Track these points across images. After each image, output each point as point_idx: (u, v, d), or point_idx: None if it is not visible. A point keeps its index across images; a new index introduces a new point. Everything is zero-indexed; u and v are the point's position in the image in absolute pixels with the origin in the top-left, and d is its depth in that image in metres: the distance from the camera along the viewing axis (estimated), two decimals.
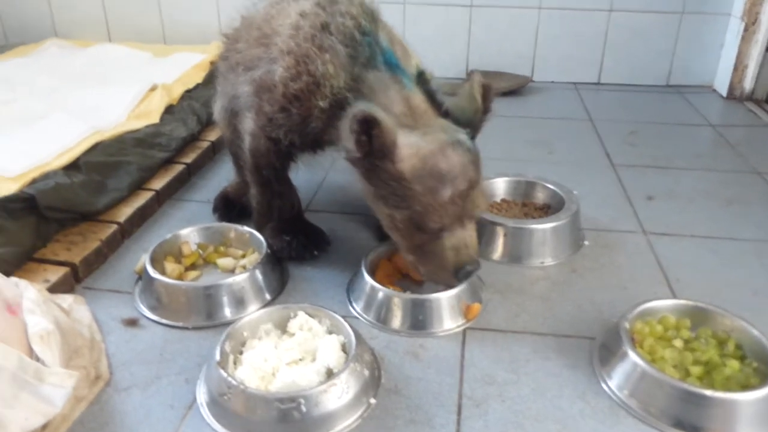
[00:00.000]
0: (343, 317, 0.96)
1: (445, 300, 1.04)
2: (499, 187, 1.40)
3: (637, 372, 0.89)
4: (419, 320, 1.04)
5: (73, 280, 1.15)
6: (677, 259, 1.24)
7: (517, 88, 2.25)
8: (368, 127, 0.91)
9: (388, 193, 0.96)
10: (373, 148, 0.93)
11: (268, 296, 1.11)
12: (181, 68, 2.03)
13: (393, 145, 0.93)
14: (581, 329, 1.04)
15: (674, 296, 1.13)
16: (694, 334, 0.97)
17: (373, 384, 0.91)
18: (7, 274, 1.02)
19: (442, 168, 0.93)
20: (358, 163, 0.97)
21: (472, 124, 1.01)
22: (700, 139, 1.86)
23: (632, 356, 0.89)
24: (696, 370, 0.90)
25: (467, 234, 0.98)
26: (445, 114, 1.02)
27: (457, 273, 0.98)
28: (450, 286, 1.04)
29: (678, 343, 0.95)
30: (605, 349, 0.97)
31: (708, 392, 0.84)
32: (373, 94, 0.99)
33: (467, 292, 1.07)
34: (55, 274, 1.12)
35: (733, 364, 0.89)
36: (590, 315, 1.08)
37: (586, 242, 1.29)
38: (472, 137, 1.01)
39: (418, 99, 1.01)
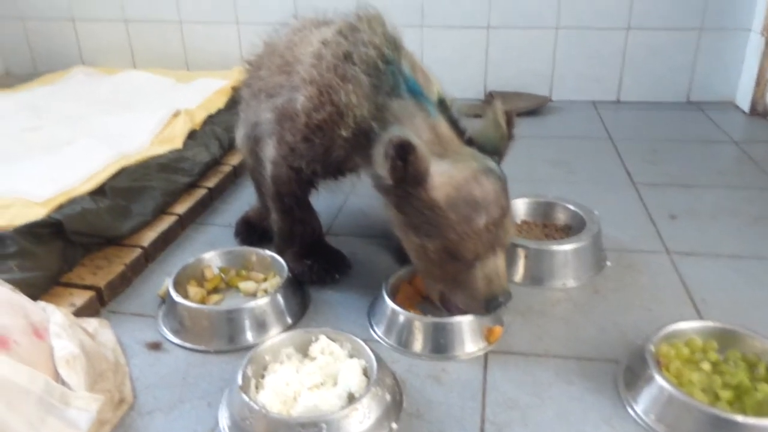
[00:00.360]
0: (365, 341, 0.96)
1: (467, 323, 1.03)
2: (520, 208, 1.39)
3: (664, 396, 0.87)
4: (440, 343, 1.03)
5: (98, 304, 1.17)
6: (703, 279, 1.22)
7: (536, 108, 2.25)
8: (404, 152, 0.90)
9: (420, 221, 0.95)
10: (407, 175, 0.92)
11: (289, 320, 1.12)
12: (204, 94, 2.07)
13: (426, 173, 0.92)
14: (605, 352, 1.03)
15: (700, 317, 1.11)
16: (723, 356, 0.95)
17: (394, 408, 0.90)
18: (35, 298, 1.04)
19: (476, 196, 0.92)
20: (389, 191, 0.96)
21: (497, 150, 1.01)
22: (722, 156, 1.84)
23: (658, 380, 0.88)
24: (726, 394, 0.88)
25: (498, 263, 0.97)
26: (469, 141, 1.01)
27: (489, 304, 0.97)
28: (480, 316, 1.03)
29: (706, 366, 0.93)
30: (630, 372, 0.95)
31: (740, 418, 0.82)
32: (399, 122, 0.98)
33: (489, 315, 1.06)
34: (81, 297, 1.14)
35: (765, 388, 0.87)
36: (614, 337, 1.06)
37: (608, 263, 1.28)
38: (498, 164, 1.01)
39: (443, 126, 1.00)
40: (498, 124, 1.00)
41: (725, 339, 0.97)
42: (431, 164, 0.93)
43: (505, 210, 0.96)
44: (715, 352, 0.95)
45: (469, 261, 0.95)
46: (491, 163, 0.97)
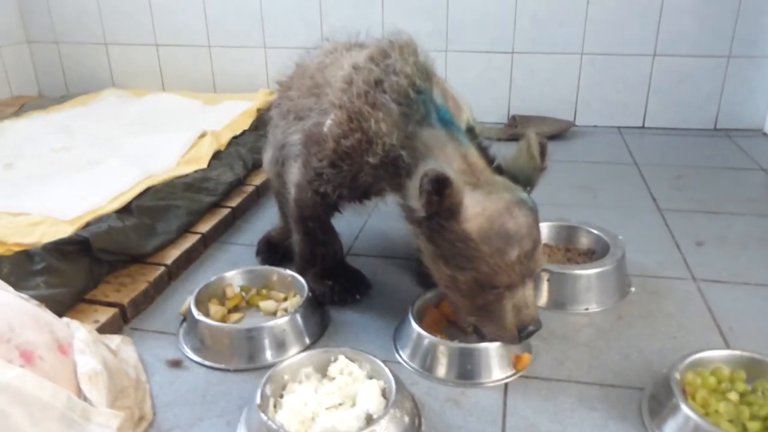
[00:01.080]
0: (384, 362, 0.96)
1: (494, 349, 1.02)
2: (542, 232, 1.37)
3: (690, 426, 0.85)
4: (467, 369, 1.01)
5: (122, 321, 1.18)
6: (730, 308, 1.19)
7: (560, 133, 2.24)
8: (441, 187, 0.89)
9: (452, 254, 0.94)
10: (441, 209, 0.91)
11: (308, 340, 1.12)
12: (230, 115, 2.11)
13: (460, 205, 0.91)
14: (629, 379, 1.01)
15: (728, 346, 1.08)
16: (751, 386, 0.93)
17: (412, 431, 0.89)
18: (60, 314, 1.05)
19: (509, 228, 0.91)
20: (421, 222, 0.95)
21: (530, 181, 1.00)
22: (751, 184, 1.81)
23: (684, 409, 0.86)
24: (754, 425, 0.85)
25: (528, 293, 0.96)
26: (498, 168, 1.00)
27: (520, 333, 0.96)
28: (511, 344, 1.01)
29: (733, 396, 0.90)
30: (655, 400, 0.93)
31: None
32: (430, 151, 0.97)
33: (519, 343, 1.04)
34: (105, 314, 1.15)
35: None
36: (638, 364, 1.04)
37: (633, 289, 1.26)
38: (529, 194, 0.99)
39: (474, 155, 0.99)
40: (532, 155, 0.98)
41: (753, 369, 0.95)
42: (464, 196, 0.92)
43: (537, 242, 0.94)
44: (743, 382, 0.93)
45: (500, 292, 0.94)
46: (523, 194, 0.95)
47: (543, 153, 0.99)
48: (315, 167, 1.09)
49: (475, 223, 0.91)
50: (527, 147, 0.99)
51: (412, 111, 0.99)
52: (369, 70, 1.05)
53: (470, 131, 1.03)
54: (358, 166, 1.04)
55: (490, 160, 1.01)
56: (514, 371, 1.03)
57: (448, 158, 0.97)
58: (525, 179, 0.99)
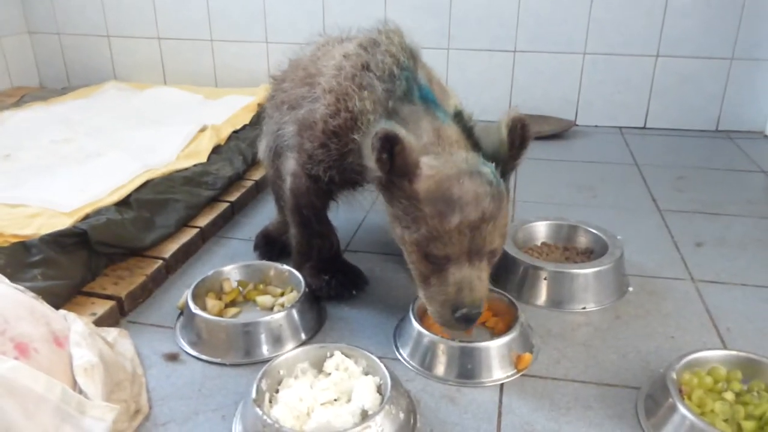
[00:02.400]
0: (380, 358, 0.96)
1: (495, 348, 1.01)
2: (540, 230, 1.38)
3: (686, 425, 0.84)
4: (468, 369, 1.01)
5: (119, 314, 1.18)
6: (728, 308, 1.19)
7: (561, 132, 2.24)
8: (390, 145, 0.90)
9: (401, 212, 0.95)
10: (393, 167, 0.92)
11: (305, 335, 1.12)
12: (230, 110, 2.11)
13: (415, 166, 0.92)
14: (626, 378, 1.01)
15: (724, 347, 1.08)
16: (746, 386, 0.93)
17: (407, 428, 0.89)
18: (57, 306, 1.05)
19: (453, 193, 0.91)
20: (380, 181, 0.97)
21: (496, 157, 0.97)
22: (752, 186, 1.80)
23: (680, 409, 0.86)
24: (749, 425, 0.85)
25: (474, 274, 0.93)
26: (477, 148, 1.00)
27: (454, 312, 0.93)
28: (448, 327, 0.99)
29: (729, 395, 0.90)
30: (651, 400, 0.93)
31: None
32: (405, 124, 0.98)
33: (518, 340, 1.04)
34: (102, 307, 1.15)
35: None
36: (635, 364, 1.04)
37: (631, 288, 1.26)
38: (503, 174, 0.97)
39: (451, 131, 1.00)
40: (500, 130, 0.97)
41: (749, 369, 0.95)
42: (423, 158, 0.93)
43: (487, 215, 0.91)
44: (738, 382, 0.93)
45: (440, 261, 0.93)
46: (485, 168, 0.94)
47: (514, 130, 0.96)
48: (307, 149, 1.11)
49: (425, 184, 0.92)
50: (499, 123, 0.97)
51: (395, 87, 1.02)
52: (358, 55, 1.08)
53: (458, 115, 1.03)
54: (345, 144, 1.06)
55: (472, 141, 1.00)
56: (514, 371, 1.02)
57: (420, 130, 0.98)
58: (492, 154, 0.98)
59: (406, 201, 0.94)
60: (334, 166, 1.09)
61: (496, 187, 0.93)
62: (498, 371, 1.01)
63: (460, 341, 1.03)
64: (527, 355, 1.03)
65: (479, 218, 0.91)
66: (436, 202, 0.91)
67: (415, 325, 1.06)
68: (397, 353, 1.08)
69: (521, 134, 0.96)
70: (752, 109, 2.25)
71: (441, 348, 1.03)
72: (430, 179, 0.92)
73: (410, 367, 1.04)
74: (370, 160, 0.94)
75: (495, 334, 1.09)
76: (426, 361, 1.03)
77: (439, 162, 0.94)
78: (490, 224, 0.92)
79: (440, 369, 1.02)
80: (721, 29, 2.16)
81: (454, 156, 0.96)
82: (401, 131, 0.91)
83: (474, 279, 0.93)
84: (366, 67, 1.06)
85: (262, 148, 1.36)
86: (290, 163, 1.17)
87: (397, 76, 1.03)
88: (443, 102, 1.04)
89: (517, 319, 1.06)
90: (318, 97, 1.10)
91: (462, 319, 0.94)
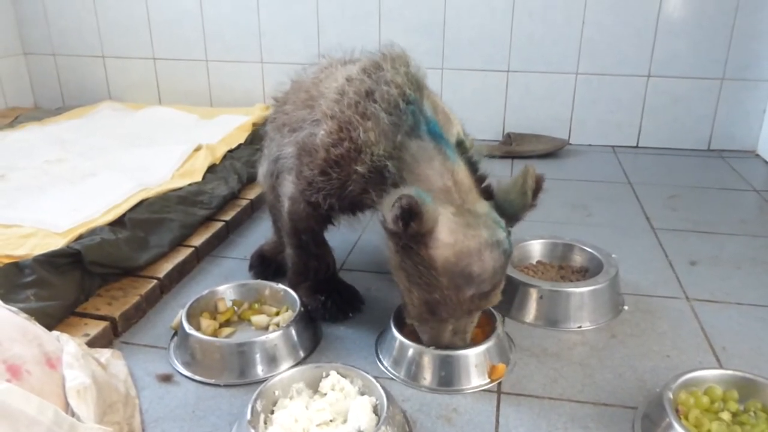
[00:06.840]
0: (375, 378, 0.95)
1: (473, 357, 1.03)
2: (535, 249, 1.38)
3: None
4: (448, 376, 1.03)
5: (112, 335, 1.17)
6: (723, 327, 1.19)
7: (554, 151, 2.25)
8: (409, 216, 0.88)
9: (413, 271, 0.95)
10: (407, 234, 0.91)
11: (300, 354, 1.11)
12: (225, 129, 2.11)
13: (429, 234, 0.91)
14: (622, 398, 1.00)
15: (720, 366, 1.08)
16: (743, 406, 0.93)
17: None
18: (50, 327, 1.04)
19: (473, 271, 0.92)
20: (393, 236, 0.95)
21: (516, 216, 1.00)
22: (744, 205, 1.82)
23: (677, 429, 0.85)
24: None
25: (469, 321, 1.02)
26: (487, 191, 1.00)
27: (447, 348, 1.03)
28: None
29: (725, 416, 0.90)
30: (648, 420, 0.93)
31: None
32: (417, 163, 0.97)
33: (494, 351, 1.05)
34: (95, 328, 1.14)
35: None
36: (631, 383, 1.04)
37: (626, 307, 1.26)
38: (516, 220, 1.00)
39: (462, 173, 0.98)
40: (525, 191, 0.97)
41: (746, 389, 0.94)
42: (441, 219, 0.91)
43: (497, 285, 0.97)
44: (735, 402, 0.92)
45: (444, 319, 0.99)
46: (502, 234, 0.94)
47: (537, 189, 0.99)
48: (306, 176, 1.09)
49: (443, 253, 0.92)
50: (522, 181, 0.98)
51: (401, 121, 1.00)
52: (361, 81, 1.06)
53: (460, 145, 1.02)
54: (347, 174, 1.05)
55: (478, 179, 1.00)
56: (488, 380, 1.04)
57: (434, 173, 0.97)
58: (512, 214, 0.99)
59: (422, 266, 0.93)
60: (334, 195, 1.08)
61: (509, 255, 0.97)
62: (477, 379, 1.03)
63: (435, 348, 1.05)
64: (501, 366, 1.05)
65: (491, 289, 0.96)
66: (454, 276, 0.92)
67: (397, 335, 1.08)
68: (378, 363, 1.09)
69: (537, 188, 1.00)
70: (743, 128, 2.27)
71: (425, 358, 1.04)
72: (449, 248, 0.91)
73: (393, 377, 1.06)
74: (387, 219, 0.92)
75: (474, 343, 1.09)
76: (411, 372, 1.05)
77: (458, 226, 0.92)
78: (497, 290, 0.98)
79: (424, 378, 1.04)
80: (712, 50, 2.19)
81: (474, 217, 0.94)
82: (427, 199, 0.89)
83: (468, 325, 1.02)
84: (369, 95, 1.03)
85: (262, 172, 1.34)
86: (288, 187, 1.16)
87: (403, 110, 1.00)
88: (447, 133, 1.02)
89: (494, 330, 1.08)
90: (318, 120, 1.09)
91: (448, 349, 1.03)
